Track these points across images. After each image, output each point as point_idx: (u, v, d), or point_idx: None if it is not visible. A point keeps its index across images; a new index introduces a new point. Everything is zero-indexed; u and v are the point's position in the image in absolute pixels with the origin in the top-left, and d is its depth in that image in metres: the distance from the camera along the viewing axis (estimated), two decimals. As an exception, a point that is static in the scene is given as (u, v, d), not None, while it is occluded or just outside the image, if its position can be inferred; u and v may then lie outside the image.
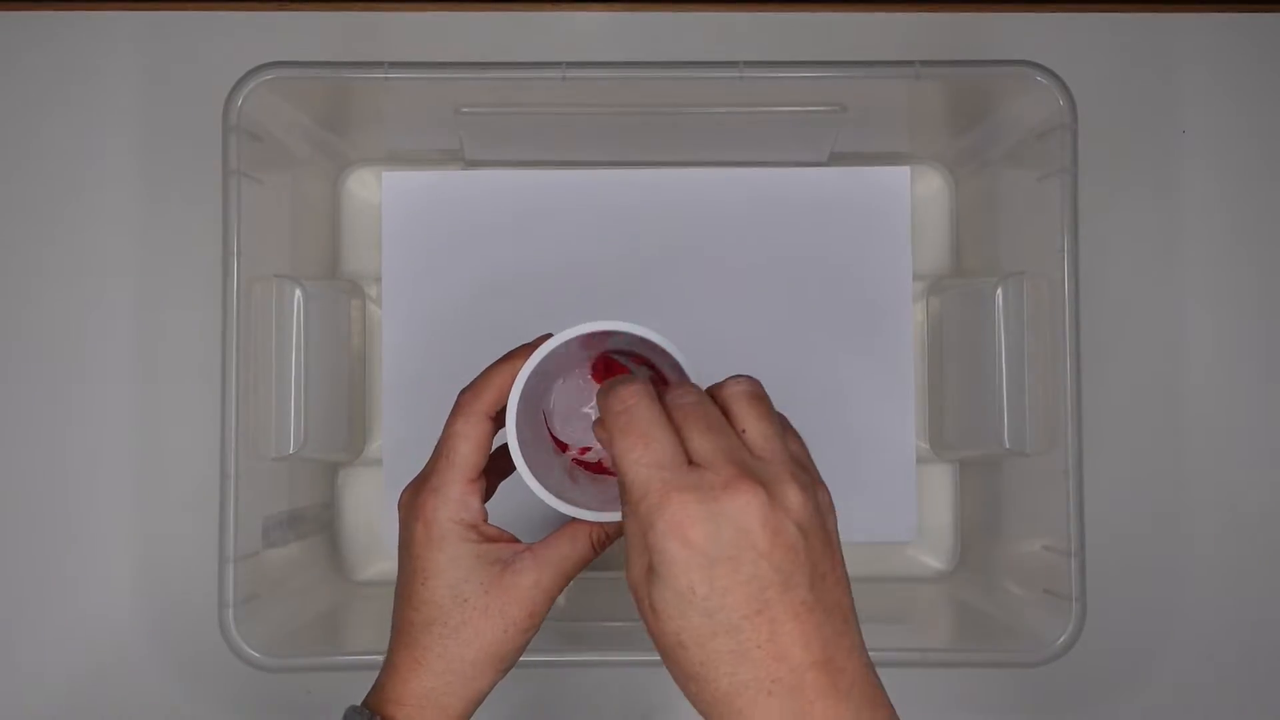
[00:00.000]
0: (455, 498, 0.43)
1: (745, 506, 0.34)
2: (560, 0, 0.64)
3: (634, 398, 0.37)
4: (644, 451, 0.35)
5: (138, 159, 0.63)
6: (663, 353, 0.42)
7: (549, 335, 0.43)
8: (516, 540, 0.45)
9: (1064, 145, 0.52)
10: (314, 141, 0.59)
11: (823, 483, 0.38)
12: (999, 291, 0.55)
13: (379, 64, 0.52)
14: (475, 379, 0.44)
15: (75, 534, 0.63)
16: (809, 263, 0.63)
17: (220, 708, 0.62)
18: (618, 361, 0.48)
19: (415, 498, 0.44)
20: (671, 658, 0.36)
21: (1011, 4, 0.64)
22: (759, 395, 0.38)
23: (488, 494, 0.46)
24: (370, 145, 0.63)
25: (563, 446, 0.49)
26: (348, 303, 0.62)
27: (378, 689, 0.44)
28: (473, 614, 0.43)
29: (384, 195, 0.63)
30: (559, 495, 0.42)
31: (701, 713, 0.36)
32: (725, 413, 0.38)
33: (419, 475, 0.45)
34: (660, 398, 0.38)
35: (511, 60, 0.53)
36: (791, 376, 0.62)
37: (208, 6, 0.64)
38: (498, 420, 0.44)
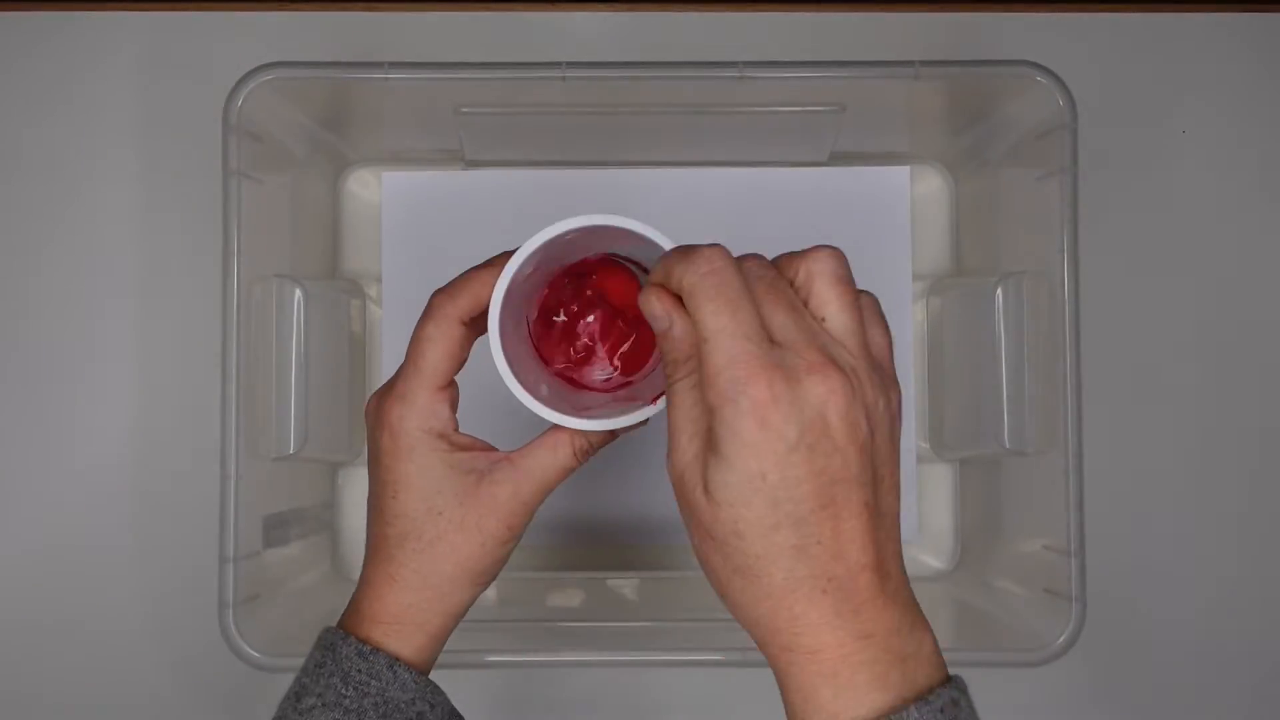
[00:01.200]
0: (422, 404, 0.41)
1: (829, 395, 0.32)
2: (560, 0, 0.64)
3: (720, 261, 0.34)
4: (731, 319, 0.33)
5: (138, 159, 0.63)
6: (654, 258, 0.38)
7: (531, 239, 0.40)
8: (492, 448, 0.42)
9: (1064, 145, 0.52)
10: (314, 142, 0.59)
11: (897, 383, 0.36)
12: (999, 291, 0.55)
13: (379, 64, 0.52)
14: (452, 280, 0.42)
15: (75, 533, 0.63)
16: (809, 262, 0.63)
17: (220, 707, 0.62)
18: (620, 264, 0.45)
19: (380, 405, 0.42)
20: (722, 548, 0.33)
21: (1011, 4, 0.64)
22: (843, 278, 0.35)
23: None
24: (370, 145, 0.63)
25: (546, 359, 0.46)
26: (348, 303, 0.62)
27: (353, 607, 0.42)
28: (447, 527, 0.41)
29: (384, 195, 0.63)
30: (544, 402, 0.40)
31: (741, 608, 0.34)
32: (805, 291, 0.35)
33: (386, 383, 0.42)
34: None
35: (511, 60, 0.53)
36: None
37: (208, 6, 0.64)
38: (472, 327, 0.41)
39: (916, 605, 0.35)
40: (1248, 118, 0.64)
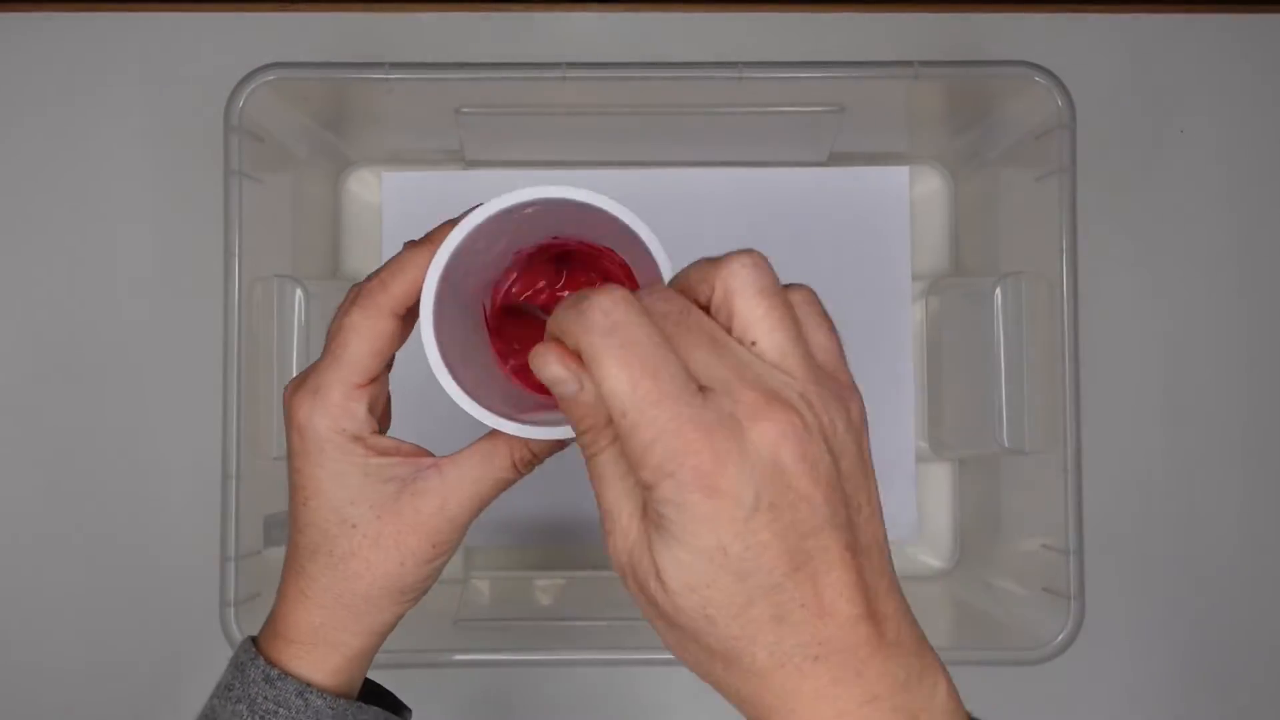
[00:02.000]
0: (335, 402, 0.36)
1: (780, 439, 0.27)
2: (560, 0, 0.64)
3: (622, 310, 0.28)
4: (650, 382, 0.27)
5: (139, 159, 0.63)
6: (627, 242, 0.35)
7: (479, 205, 0.35)
8: (422, 452, 0.37)
9: (1062, 145, 0.52)
10: (315, 142, 0.60)
11: (854, 389, 0.30)
12: (998, 291, 0.55)
13: (379, 64, 0.52)
14: (386, 262, 0.36)
15: (76, 533, 0.63)
16: (808, 263, 0.63)
17: (221, 706, 0.62)
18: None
19: (291, 398, 0.37)
20: (692, 637, 0.29)
21: (1011, 4, 0.64)
22: (765, 288, 0.29)
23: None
24: (370, 145, 0.63)
25: (503, 355, 0.41)
26: (348, 302, 0.62)
27: (270, 619, 0.39)
28: (362, 543, 0.36)
29: (384, 195, 0.63)
30: (485, 404, 0.34)
31: (726, 689, 0.30)
32: (725, 313, 0.29)
33: (303, 371, 0.38)
34: None
35: (511, 61, 0.53)
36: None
37: (209, 8, 0.64)
38: (406, 320, 0.37)
39: (923, 641, 0.30)
40: (1245, 118, 0.65)
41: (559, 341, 0.29)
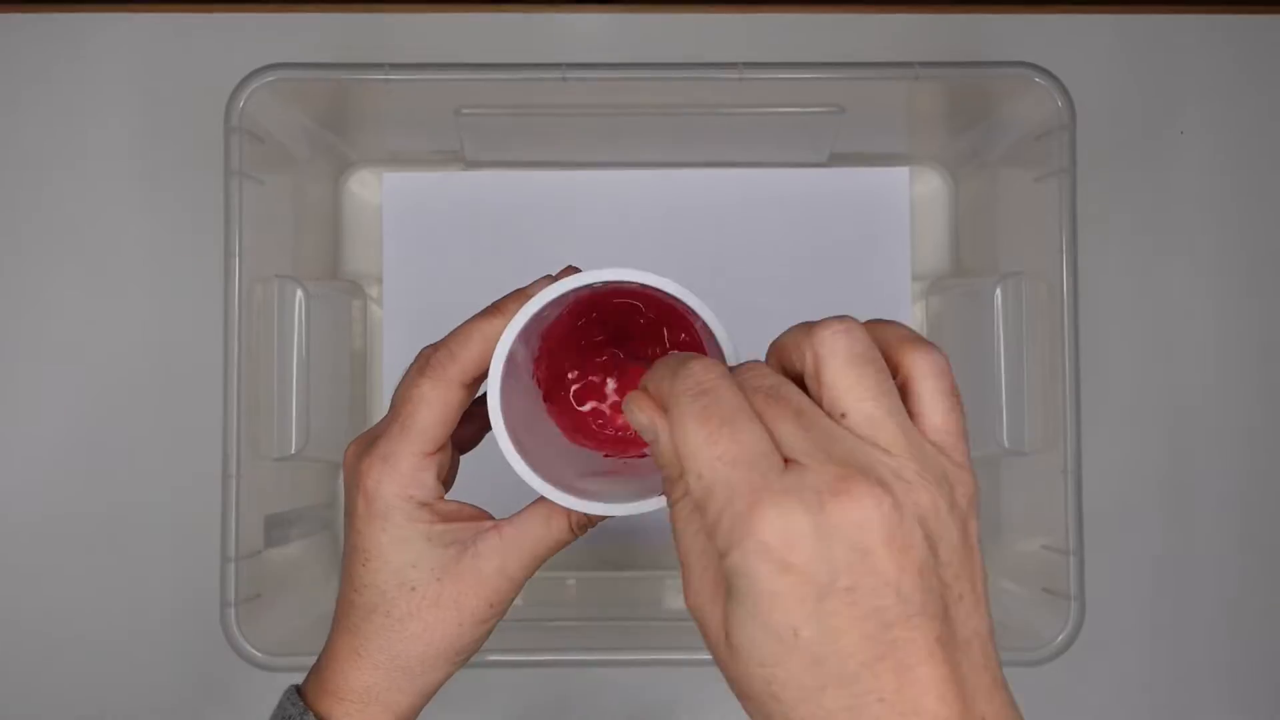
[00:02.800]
0: (405, 471, 0.36)
1: (864, 518, 0.26)
2: (560, 1, 0.64)
3: (714, 377, 0.28)
4: (729, 445, 0.27)
5: (140, 160, 0.63)
6: (690, 324, 0.35)
7: (548, 278, 0.36)
8: (482, 515, 0.38)
9: (1062, 146, 0.52)
10: (315, 142, 0.60)
11: (966, 468, 0.29)
12: (998, 291, 0.55)
13: (380, 65, 0.52)
14: (452, 333, 0.37)
15: (76, 533, 0.63)
16: (808, 263, 0.63)
17: (222, 707, 0.62)
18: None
19: (359, 463, 0.37)
20: (759, 709, 0.27)
21: (1010, 5, 0.64)
22: (859, 356, 0.28)
23: (469, 445, 0.41)
24: (371, 146, 0.63)
25: (552, 403, 0.42)
26: (349, 303, 0.62)
27: (318, 673, 0.39)
28: (421, 604, 0.37)
29: (384, 196, 0.63)
30: (545, 472, 0.35)
31: None
32: (817, 383, 0.28)
33: (367, 433, 0.38)
34: None
35: (512, 61, 0.53)
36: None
37: (209, 7, 0.64)
38: (471, 387, 0.37)
39: None
40: (1245, 119, 0.65)
41: (648, 393, 0.30)
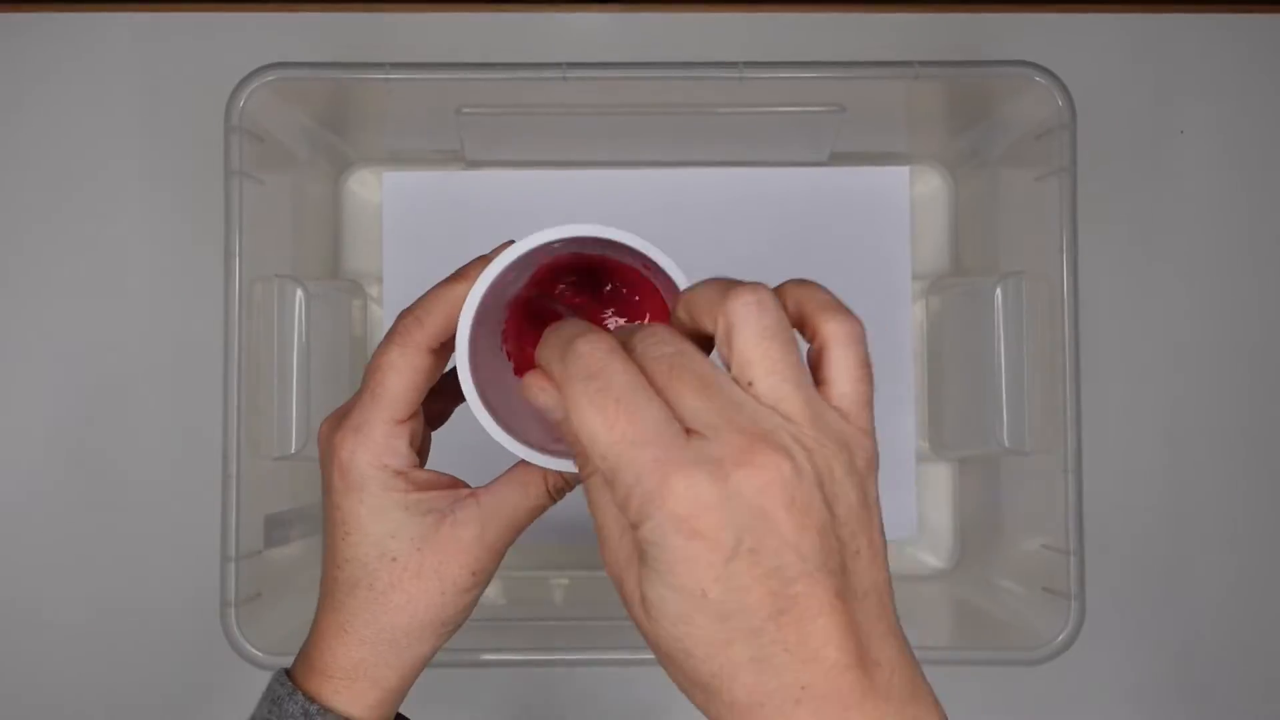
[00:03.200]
0: (378, 439, 0.36)
1: (766, 484, 0.27)
2: (560, 1, 0.64)
3: (601, 355, 0.29)
4: (627, 425, 0.28)
5: (139, 159, 0.63)
6: (655, 272, 0.36)
7: (510, 242, 0.36)
8: (459, 483, 0.38)
9: (1063, 145, 0.52)
10: (315, 142, 0.60)
11: (866, 432, 0.30)
12: (998, 291, 0.55)
13: (380, 65, 0.52)
14: (418, 299, 0.37)
15: (76, 533, 0.63)
16: (808, 262, 0.63)
17: (223, 706, 0.62)
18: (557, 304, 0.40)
19: (332, 436, 0.37)
20: (674, 664, 0.29)
21: (1010, 4, 0.64)
22: (768, 330, 0.29)
23: (439, 420, 0.41)
24: (371, 145, 0.63)
25: (522, 370, 0.42)
26: (349, 302, 0.62)
27: (304, 654, 0.39)
28: (403, 575, 0.37)
29: (385, 195, 0.63)
30: (520, 437, 0.35)
31: (707, 716, 0.30)
32: (726, 349, 0.29)
33: (340, 409, 0.38)
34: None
35: (512, 61, 0.53)
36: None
37: (209, 7, 0.64)
38: (441, 353, 0.37)
39: (919, 689, 0.29)
40: (1245, 118, 0.65)
41: (546, 371, 0.30)
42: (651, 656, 0.30)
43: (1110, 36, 0.64)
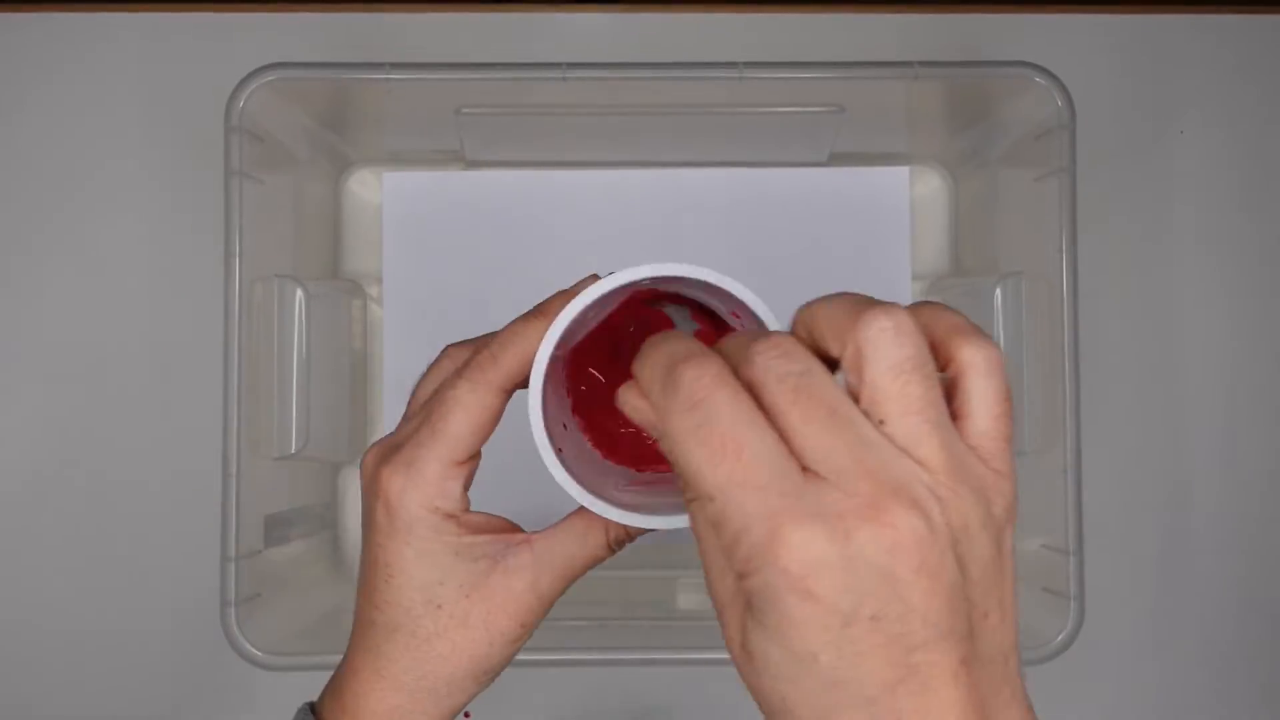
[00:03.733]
0: (431, 479, 0.34)
1: (895, 544, 0.24)
2: (560, 1, 0.64)
3: (706, 383, 0.25)
4: (735, 466, 0.25)
5: (140, 159, 0.63)
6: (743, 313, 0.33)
7: (594, 277, 0.33)
8: (511, 527, 0.36)
9: (1062, 145, 0.52)
10: (315, 142, 0.60)
11: (1006, 476, 0.27)
12: (997, 291, 0.55)
13: (380, 65, 0.52)
14: (495, 335, 0.34)
15: (76, 532, 0.63)
16: (808, 263, 0.63)
17: (222, 706, 0.62)
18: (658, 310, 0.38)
19: (379, 468, 0.35)
20: (771, 713, 0.26)
21: (1010, 5, 0.64)
22: (908, 363, 0.25)
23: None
24: (371, 145, 0.63)
25: (583, 414, 0.40)
26: (349, 302, 0.62)
27: (335, 692, 0.37)
28: (449, 624, 0.35)
29: (385, 195, 0.63)
30: (581, 481, 0.33)
31: None
32: (855, 377, 0.26)
33: (389, 439, 0.36)
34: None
35: (512, 61, 0.53)
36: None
37: (209, 7, 0.64)
38: (508, 395, 0.35)
39: None
40: (1245, 118, 0.65)
41: (638, 388, 0.27)
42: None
43: (1109, 37, 0.64)
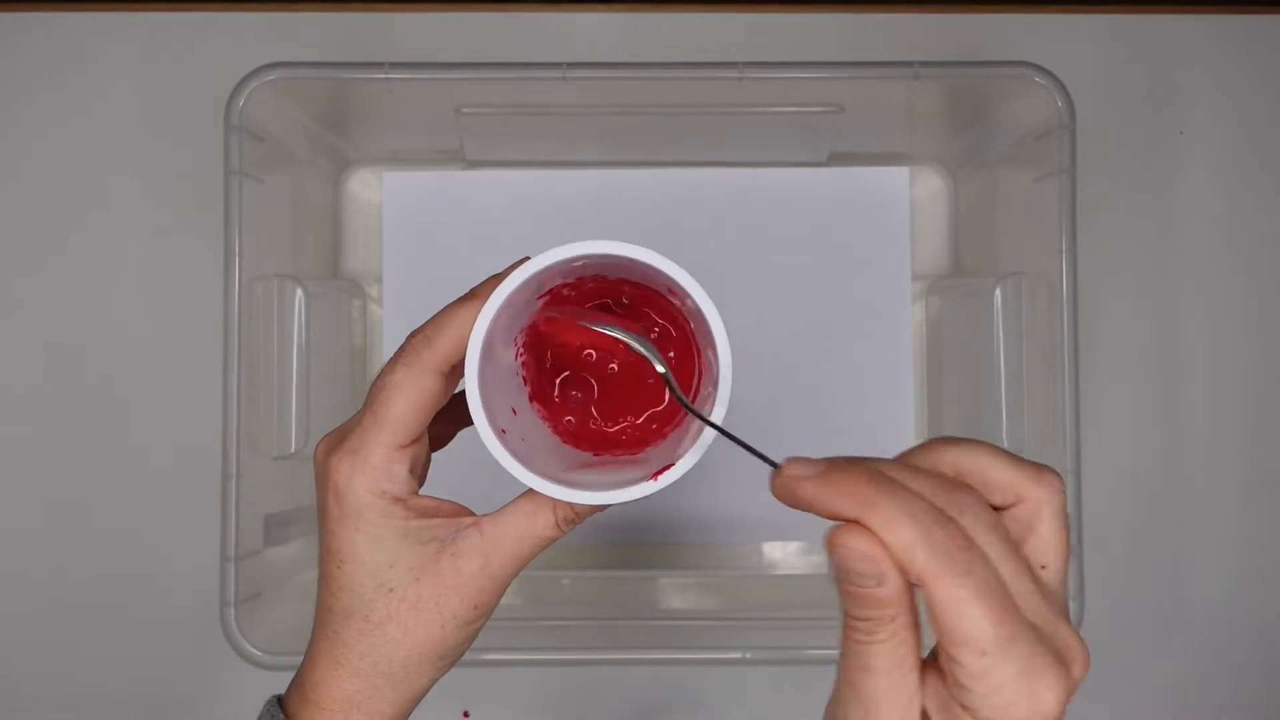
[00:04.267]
0: (376, 464, 0.35)
1: (1077, 683, 0.28)
2: (560, 0, 0.64)
3: (982, 538, 0.27)
4: (1007, 625, 0.26)
5: (140, 159, 0.63)
6: (675, 294, 0.34)
7: (526, 259, 0.34)
8: (462, 511, 0.36)
9: (1062, 146, 0.52)
10: (315, 141, 0.60)
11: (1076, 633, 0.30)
12: (997, 291, 0.55)
13: (380, 64, 0.52)
14: (432, 319, 0.35)
15: (76, 532, 0.63)
16: (808, 263, 0.63)
17: (222, 706, 0.63)
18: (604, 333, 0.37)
19: (328, 460, 0.35)
20: None
21: (1010, 5, 0.64)
22: (1065, 513, 0.29)
23: (442, 443, 0.39)
24: (371, 145, 0.63)
25: (537, 394, 0.40)
26: (349, 302, 0.62)
27: (298, 683, 0.37)
28: (400, 607, 0.35)
29: (385, 195, 0.63)
30: (529, 464, 0.33)
31: None
32: (1023, 528, 0.29)
33: (338, 429, 0.36)
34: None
35: (511, 60, 0.53)
36: (791, 377, 0.63)
37: (208, 7, 0.64)
38: (451, 376, 0.35)
39: None
40: (1244, 118, 0.65)
41: (864, 527, 0.27)
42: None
43: (1108, 38, 0.64)
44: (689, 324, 0.37)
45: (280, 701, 0.38)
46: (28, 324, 0.63)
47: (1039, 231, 0.54)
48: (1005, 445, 0.55)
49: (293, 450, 0.54)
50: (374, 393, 0.35)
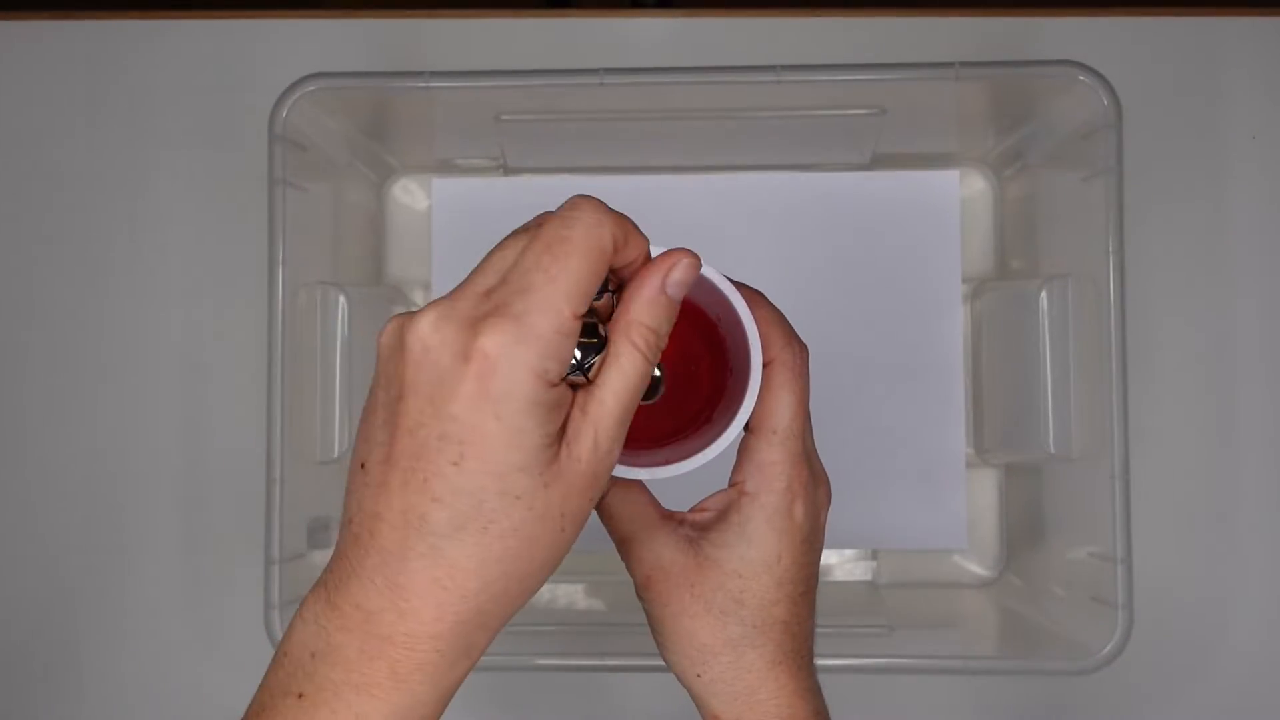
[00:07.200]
0: (544, 334, 0.28)
1: (827, 497, 0.38)
2: (599, 6, 0.64)
3: (803, 357, 0.38)
4: (800, 416, 0.37)
5: (185, 167, 0.65)
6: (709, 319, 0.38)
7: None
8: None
9: (1109, 146, 0.51)
10: (358, 150, 0.60)
11: None
12: (1043, 294, 0.54)
13: (420, 74, 0.52)
14: (628, 220, 0.31)
15: (123, 536, 0.64)
16: (855, 267, 0.63)
17: (268, 708, 0.63)
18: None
19: (475, 323, 0.28)
20: (719, 617, 0.37)
21: (1055, 7, 0.64)
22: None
23: None
24: (413, 153, 0.63)
25: None
26: (391, 308, 0.63)
27: (374, 615, 0.30)
28: (528, 517, 0.29)
29: (434, 201, 0.64)
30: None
31: (722, 682, 0.36)
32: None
33: (462, 289, 0.30)
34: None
35: (549, 68, 0.53)
36: (839, 383, 0.62)
37: (253, 15, 0.65)
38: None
39: None
40: (1301, 116, 0.63)
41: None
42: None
43: (1155, 39, 0.63)
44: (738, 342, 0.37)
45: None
46: (73, 331, 0.65)
47: (1085, 233, 0.53)
48: (1051, 450, 0.54)
49: (335, 455, 0.54)
50: (538, 255, 0.29)
